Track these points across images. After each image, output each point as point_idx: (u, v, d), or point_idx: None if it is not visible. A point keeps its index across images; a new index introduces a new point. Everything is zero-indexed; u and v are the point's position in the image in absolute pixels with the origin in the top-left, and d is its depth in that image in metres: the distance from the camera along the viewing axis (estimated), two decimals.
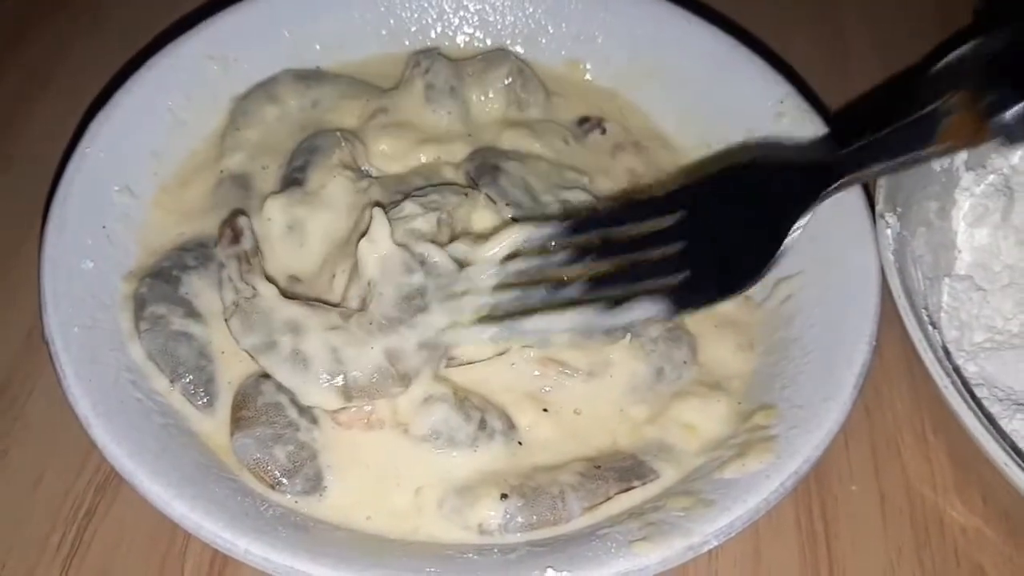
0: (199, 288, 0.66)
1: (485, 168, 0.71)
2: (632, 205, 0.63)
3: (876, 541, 0.65)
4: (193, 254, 0.68)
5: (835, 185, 0.56)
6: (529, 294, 0.60)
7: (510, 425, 0.63)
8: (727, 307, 0.69)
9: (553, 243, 0.61)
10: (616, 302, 0.58)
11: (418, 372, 0.61)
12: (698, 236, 0.58)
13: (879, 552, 0.65)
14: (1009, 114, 0.47)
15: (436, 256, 0.63)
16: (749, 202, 0.58)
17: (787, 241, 0.56)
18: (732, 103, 0.77)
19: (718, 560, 0.63)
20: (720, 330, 0.68)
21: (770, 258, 0.56)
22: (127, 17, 0.93)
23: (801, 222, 0.56)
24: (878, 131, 0.55)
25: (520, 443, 0.62)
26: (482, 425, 0.62)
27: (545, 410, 0.63)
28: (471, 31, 0.84)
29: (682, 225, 0.58)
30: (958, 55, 0.56)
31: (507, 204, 0.68)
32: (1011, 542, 0.65)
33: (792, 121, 0.74)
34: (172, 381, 0.63)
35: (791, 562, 0.64)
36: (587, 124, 0.80)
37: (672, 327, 0.66)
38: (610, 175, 0.76)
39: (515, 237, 0.62)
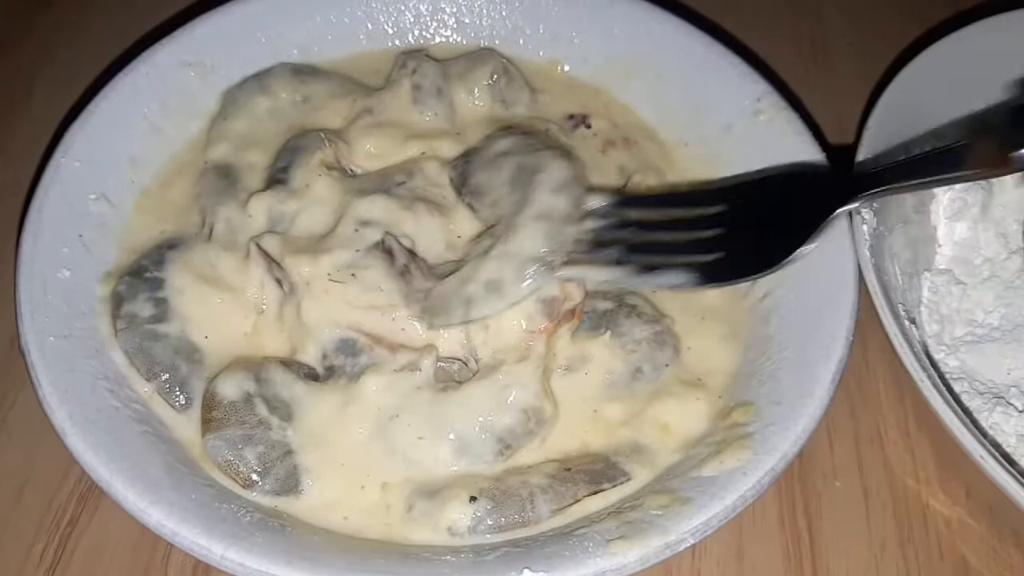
0: (178, 284, 0.66)
1: (468, 174, 0.71)
2: (676, 194, 0.73)
3: (860, 537, 0.65)
4: (172, 251, 0.68)
5: (861, 196, 0.63)
6: (575, 247, 0.65)
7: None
8: (714, 298, 0.70)
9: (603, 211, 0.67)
10: (649, 268, 0.63)
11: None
12: (729, 225, 0.64)
13: (863, 547, 0.65)
14: None
15: None
16: (780, 203, 0.65)
17: (807, 243, 0.62)
18: (710, 101, 0.77)
19: (701, 559, 0.64)
20: (706, 322, 0.69)
21: (788, 254, 0.62)
22: (109, 26, 0.92)
23: (824, 224, 0.62)
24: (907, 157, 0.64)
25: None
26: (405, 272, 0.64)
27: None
28: (448, 34, 0.84)
29: (719, 215, 0.65)
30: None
31: (490, 206, 0.69)
32: (994, 534, 0.65)
33: (769, 119, 0.74)
34: (148, 380, 0.63)
35: (775, 559, 0.64)
36: (573, 120, 0.80)
37: (660, 331, 0.67)
38: (601, 171, 0.76)
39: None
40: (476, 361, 0.64)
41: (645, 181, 0.75)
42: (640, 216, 0.66)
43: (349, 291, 0.64)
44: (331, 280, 0.64)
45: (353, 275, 0.64)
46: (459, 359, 0.64)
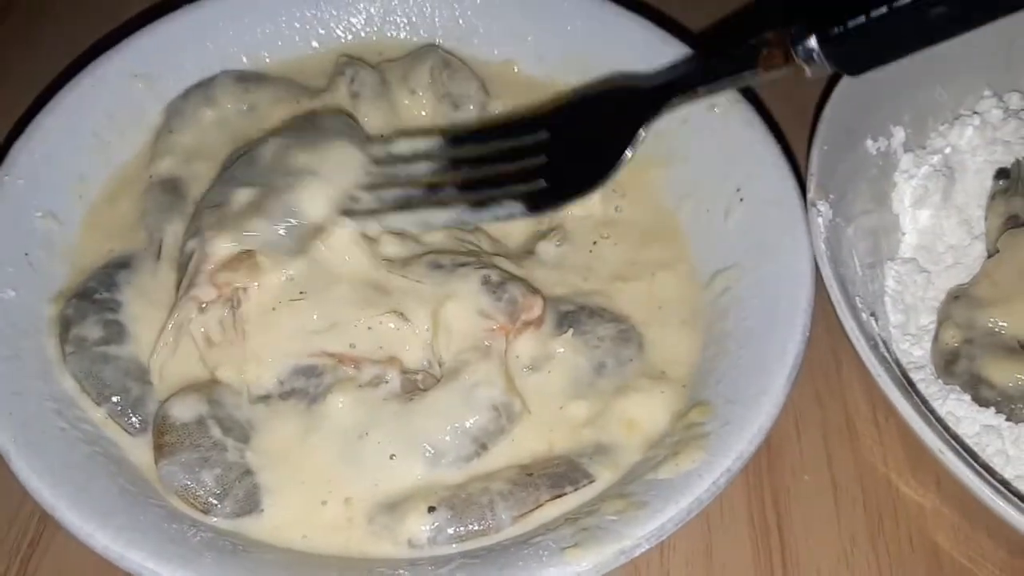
0: (128, 305, 0.65)
1: None
2: (501, 126, 0.73)
3: (830, 531, 0.65)
4: (123, 271, 0.67)
5: (666, 104, 0.64)
6: (409, 193, 0.68)
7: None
8: (670, 289, 0.70)
9: (432, 153, 0.70)
10: (482, 204, 0.66)
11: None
12: (555, 152, 0.66)
13: (833, 541, 0.64)
14: (806, 43, 0.58)
15: None
16: (597, 123, 0.67)
17: (625, 154, 0.64)
18: None
19: (671, 558, 0.63)
20: (663, 311, 0.69)
21: (606, 172, 0.64)
22: (63, 38, 0.91)
23: (639, 137, 0.64)
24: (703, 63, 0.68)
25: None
26: None
27: None
28: (401, 34, 0.83)
29: (543, 143, 0.67)
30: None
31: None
32: (966, 522, 0.65)
33: (723, 111, 0.73)
34: (99, 404, 0.62)
35: (744, 557, 0.64)
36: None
37: (624, 328, 0.67)
38: None
39: (402, 147, 0.71)
40: (440, 366, 0.63)
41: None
42: (469, 153, 0.69)
43: (303, 315, 0.63)
44: (286, 304, 0.63)
45: (302, 293, 0.63)
46: (423, 369, 0.64)
